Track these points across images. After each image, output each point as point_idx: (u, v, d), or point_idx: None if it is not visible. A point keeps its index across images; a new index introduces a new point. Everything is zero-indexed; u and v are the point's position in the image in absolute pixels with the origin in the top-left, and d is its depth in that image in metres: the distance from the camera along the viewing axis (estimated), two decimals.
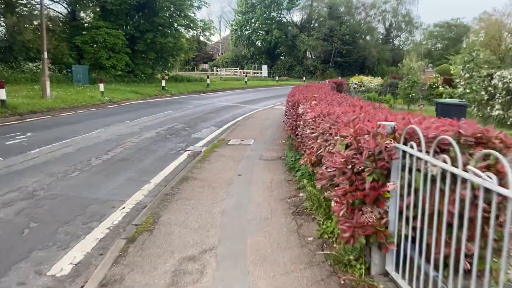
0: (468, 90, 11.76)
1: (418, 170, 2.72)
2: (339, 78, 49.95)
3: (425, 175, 2.59)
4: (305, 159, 4.87)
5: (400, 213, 2.91)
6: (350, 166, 3.05)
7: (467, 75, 12.41)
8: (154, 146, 9.22)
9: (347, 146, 3.29)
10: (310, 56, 57.81)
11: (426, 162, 2.56)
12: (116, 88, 23.01)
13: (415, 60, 19.71)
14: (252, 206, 4.78)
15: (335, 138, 3.62)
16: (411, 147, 2.69)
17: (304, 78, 48.81)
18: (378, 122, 3.08)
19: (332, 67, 54.45)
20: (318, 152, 4.25)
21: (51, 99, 16.30)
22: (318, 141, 4.25)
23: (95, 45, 27.14)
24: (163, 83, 24.45)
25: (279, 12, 56.06)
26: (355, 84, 25.86)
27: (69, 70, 25.85)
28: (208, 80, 30.36)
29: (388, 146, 2.88)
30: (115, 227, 4.42)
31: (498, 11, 64.93)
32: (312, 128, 4.78)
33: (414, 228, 2.80)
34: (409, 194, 2.77)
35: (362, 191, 3.00)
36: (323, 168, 3.71)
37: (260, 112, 17.22)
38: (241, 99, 23.02)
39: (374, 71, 56.41)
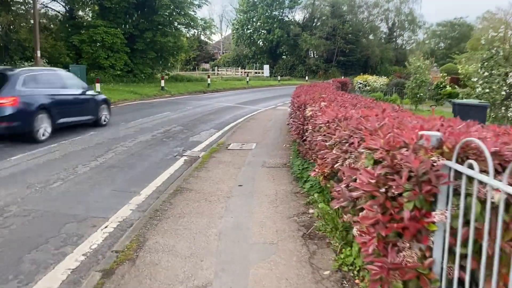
0: (487, 90, 11.04)
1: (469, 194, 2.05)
2: (343, 77, 49.30)
3: (482, 201, 1.93)
4: (316, 170, 4.17)
5: (450, 250, 2.22)
6: (383, 190, 2.35)
7: (486, 73, 11.68)
8: (149, 150, 8.53)
9: (375, 162, 2.60)
10: (312, 56, 57.11)
11: (484, 185, 1.87)
12: (114, 88, 22.36)
13: (422, 59, 18.95)
14: (254, 226, 4.08)
15: (359, 149, 2.93)
16: (470, 166, 2.00)
17: (306, 77, 48.08)
18: (420, 132, 2.38)
19: (335, 66, 53.71)
20: (334, 164, 3.55)
21: None
22: (334, 151, 3.55)
23: (93, 44, 26.49)
24: (162, 83, 23.79)
25: (281, 10, 55.36)
26: (360, 83, 25.14)
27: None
28: (209, 80, 29.69)
29: (436, 164, 2.18)
30: (92, 253, 3.73)
31: (503, 10, 64.13)
32: (325, 135, 4.08)
33: (462, 268, 2.12)
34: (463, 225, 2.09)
35: (399, 222, 2.30)
36: (342, 185, 3.02)
37: (262, 113, 16.53)
38: (242, 100, 22.34)
39: (377, 70, 55.71)
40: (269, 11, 54.14)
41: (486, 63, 12.08)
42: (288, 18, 57.42)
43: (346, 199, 2.92)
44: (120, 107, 17.15)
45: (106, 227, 4.35)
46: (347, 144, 3.25)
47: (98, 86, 18.25)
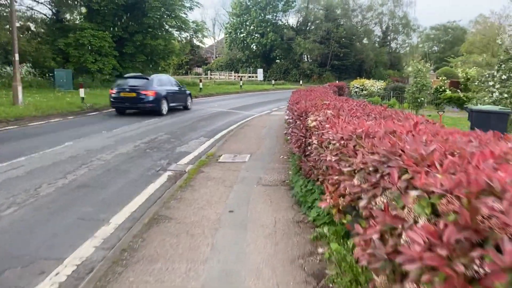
0: (506, 95, 10.23)
1: None
2: (337, 81, 48.57)
3: None
4: (327, 200, 3.24)
5: None
6: (460, 267, 1.42)
7: (504, 76, 10.85)
8: (128, 165, 7.55)
9: (434, 211, 1.68)
10: (306, 60, 56.41)
11: None
12: (101, 93, 21.32)
13: (422, 62, 18.18)
14: (248, 275, 3.13)
15: (399, 185, 2.00)
16: None
17: (300, 81, 47.30)
18: None
19: (329, 70, 53.01)
20: (356, 199, 2.63)
21: (23, 106, 14.61)
22: (356, 181, 2.62)
23: (80, 48, 25.45)
24: None
25: (275, 14, 54.62)
26: (357, 88, 24.35)
27: (51, 74, 24.15)
28: (201, 84, 28.71)
29: None
30: None
31: (496, 13, 64.11)
32: (339, 155, 3.16)
33: None
34: None
35: None
36: (373, 234, 2.09)
37: (256, 119, 15.61)
38: (235, 105, 21.41)
39: (371, 74, 55.09)
40: (262, 15, 53.39)
41: (503, 65, 11.23)
42: (282, 22, 56.76)
43: (380, 259, 1.99)
44: (104, 113, 16.13)
45: (57, 274, 3.38)
46: (378, 175, 2.32)
47: (82, 91, 17.21)
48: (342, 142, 3.13)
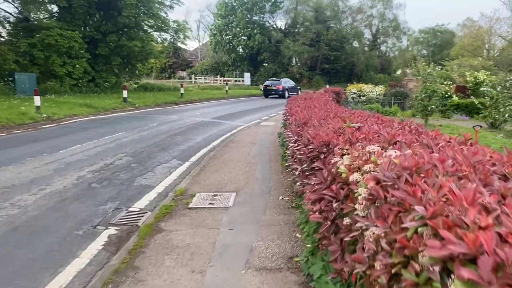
0: None
1: None
2: (327, 86, 46.45)
3: None
4: None
5: None
6: None
7: None
8: (54, 215, 5.07)
9: None
10: (295, 63, 54.26)
11: None
12: (66, 100, 18.67)
13: (432, 65, 16.05)
14: None
15: None
16: None
17: None
18: None
19: (319, 74, 50.92)
20: None
21: None
22: None
23: (46, 49, 22.68)
24: (125, 93, 20.11)
25: (262, 15, 52.26)
26: (354, 93, 22.16)
27: (11, 78, 21.34)
28: (182, 89, 26.17)
29: None
30: None
31: (487, 16, 63.06)
32: None
33: None
34: None
35: None
36: None
37: (244, 131, 13.21)
38: (220, 113, 18.98)
39: (362, 78, 53.21)
40: (249, 16, 51.02)
41: None
42: (270, 24, 54.44)
43: None
44: (63, 126, 13.52)
45: None
46: None
47: (37, 99, 14.55)
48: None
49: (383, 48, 68.73)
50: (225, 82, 40.50)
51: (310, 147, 3.48)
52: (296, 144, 4.64)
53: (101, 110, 17.28)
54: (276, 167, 7.74)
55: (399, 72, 78.67)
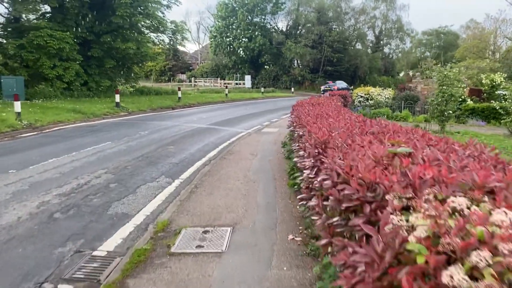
0: None
1: None
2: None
3: None
4: None
5: None
6: None
7: None
8: None
9: None
10: (297, 65, 53.02)
11: None
12: (53, 105, 17.44)
13: (449, 67, 14.75)
14: None
15: None
16: None
17: (292, 89, 43.89)
18: None
19: (322, 76, 49.63)
20: None
21: None
22: None
23: (35, 51, 21.46)
24: (117, 98, 18.87)
25: (263, 17, 51.08)
26: (361, 96, 20.88)
27: None
28: (180, 93, 24.91)
29: None
30: None
31: (492, 17, 61.84)
32: None
33: None
34: None
35: None
36: None
37: (244, 140, 11.93)
38: (219, 118, 17.73)
39: (366, 81, 51.96)
40: (249, 18, 49.83)
41: None
42: (271, 25, 53.27)
43: None
44: (45, 134, 12.27)
45: None
46: None
47: (17, 104, 13.30)
48: None
49: (386, 50, 67.51)
50: (225, 85, 39.27)
51: (346, 192, 2.19)
52: (314, 174, 3.36)
53: (90, 116, 16.02)
54: (282, 187, 6.47)
55: (402, 74, 77.57)
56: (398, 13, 61.73)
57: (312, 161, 3.53)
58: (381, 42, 64.25)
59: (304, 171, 3.65)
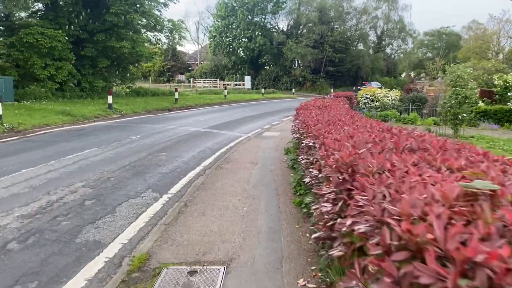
0: None
1: None
2: (332, 90, 44.23)
3: None
4: None
5: None
6: None
7: None
8: None
9: None
10: (298, 66, 52.04)
11: None
12: (42, 107, 16.49)
13: (462, 67, 13.82)
14: None
15: None
16: None
17: (293, 90, 42.91)
18: None
19: (323, 77, 48.69)
20: None
21: None
22: None
23: (25, 50, 20.50)
24: (110, 99, 17.89)
25: (263, 16, 50.09)
26: (366, 98, 19.92)
27: None
28: (177, 94, 23.94)
29: None
30: None
31: (495, 18, 60.91)
32: None
33: None
34: None
35: None
36: None
37: (243, 145, 10.97)
38: (217, 121, 16.78)
39: (368, 81, 51.00)
40: (250, 17, 48.86)
41: None
42: (271, 25, 52.28)
43: None
44: (25, 140, 11.30)
45: None
46: None
47: None
48: None
49: (388, 50, 66.52)
50: (224, 86, 38.30)
51: (423, 280, 1.24)
52: (338, 209, 2.41)
53: (80, 118, 15.06)
54: (287, 206, 5.50)
55: (403, 75, 76.58)
56: (400, 13, 60.84)
57: (334, 190, 2.57)
58: (383, 42, 63.29)
59: (323, 204, 2.68)
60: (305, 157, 4.85)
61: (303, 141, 5.13)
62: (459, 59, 52.42)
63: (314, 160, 3.81)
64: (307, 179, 3.93)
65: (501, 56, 57.69)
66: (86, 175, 7.17)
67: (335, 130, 4.30)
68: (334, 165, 2.67)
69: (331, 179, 2.64)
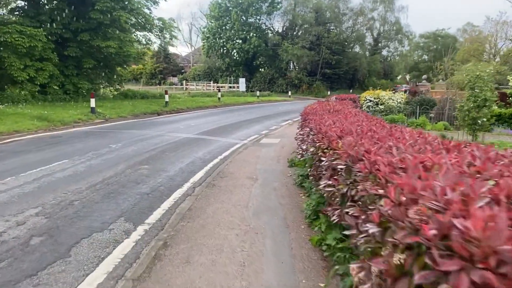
0: None
1: None
2: (328, 92, 43.07)
3: None
4: None
5: None
6: None
7: None
8: None
9: None
10: (294, 68, 50.75)
11: None
12: (16, 111, 14.96)
13: (480, 66, 12.61)
14: None
15: None
16: None
17: (289, 93, 41.57)
18: None
19: (320, 79, 47.43)
20: None
21: None
22: None
23: (1, 49, 18.95)
24: (92, 102, 16.36)
25: (258, 17, 48.74)
26: (369, 101, 18.63)
27: None
28: (167, 97, 22.46)
29: None
30: None
31: (492, 20, 60.20)
32: None
33: None
34: None
35: None
36: None
37: (240, 155, 9.56)
38: (210, 125, 15.36)
39: (365, 84, 49.93)
40: (244, 18, 47.51)
41: None
42: (266, 26, 50.97)
43: None
44: None
45: None
46: None
47: None
48: None
49: (384, 52, 65.56)
50: (217, 88, 36.86)
51: None
52: None
53: (57, 124, 13.56)
54: (302, 247, 4.10)
55: (399, 77, 75.68)
56: (396, 14, 59.88)
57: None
58: (380, 44, 62.28)
59: None
60: (330, 183, 3.45)
61: (326, 160, 3.71)
62: (458, 61, 51.48)
63: (363, 203, 2.40)
64: (354, 241, 2.46)
65: (498, 58, 56.95)
66: (44, 198, 5.73)
67: (378, 148, 2.90)
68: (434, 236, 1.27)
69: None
